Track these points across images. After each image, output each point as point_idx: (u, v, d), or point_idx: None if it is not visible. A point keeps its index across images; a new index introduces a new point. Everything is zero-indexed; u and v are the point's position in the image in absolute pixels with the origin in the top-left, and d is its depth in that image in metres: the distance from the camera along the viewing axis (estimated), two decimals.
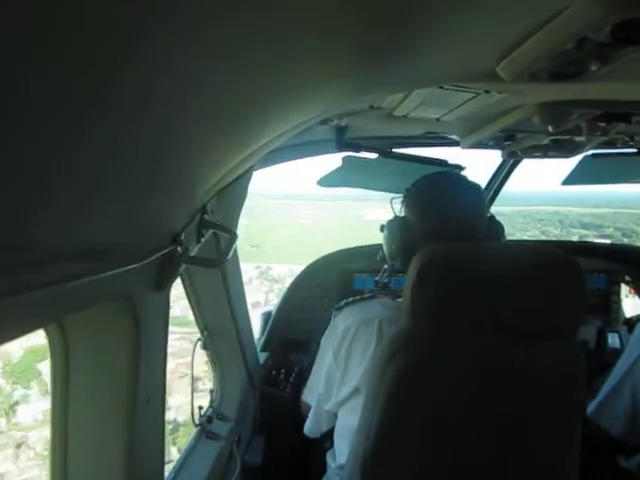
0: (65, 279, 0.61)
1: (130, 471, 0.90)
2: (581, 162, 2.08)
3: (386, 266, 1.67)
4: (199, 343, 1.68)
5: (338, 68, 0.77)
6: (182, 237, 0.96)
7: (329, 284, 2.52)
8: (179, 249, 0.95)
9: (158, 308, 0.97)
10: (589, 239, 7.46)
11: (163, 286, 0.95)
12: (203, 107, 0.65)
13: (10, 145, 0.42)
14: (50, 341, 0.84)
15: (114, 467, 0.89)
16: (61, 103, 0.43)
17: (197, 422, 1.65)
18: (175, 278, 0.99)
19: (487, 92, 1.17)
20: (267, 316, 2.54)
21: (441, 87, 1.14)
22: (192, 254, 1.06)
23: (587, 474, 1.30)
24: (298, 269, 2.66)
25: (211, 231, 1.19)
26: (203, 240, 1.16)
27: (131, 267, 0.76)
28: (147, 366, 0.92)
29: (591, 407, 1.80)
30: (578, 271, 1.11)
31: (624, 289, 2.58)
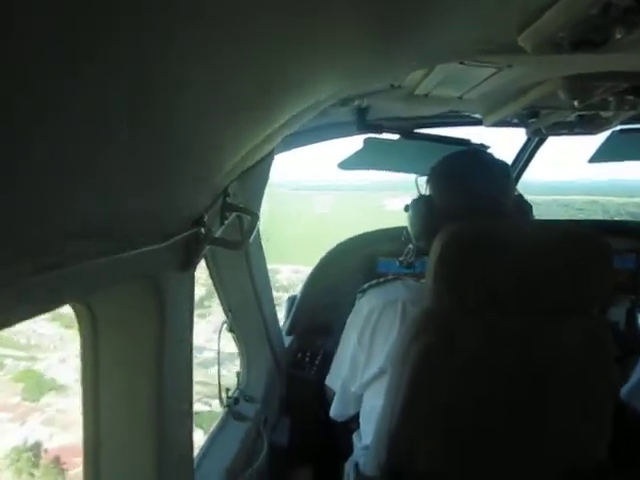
0: (90, 257, 0.63)
1: (160, 452, 0.92)
2: (608, 139, 2.03)
3: (410, 246, 1.66)
4: (224, 325, 1.70)
5: (354, 43, 0.76)
6: (205, 219, 0.97)
7: (353, 268, 2.52)
8: (202, 231, 0.96)
9: (183, 289, 0.98)
10: None
11: (188, 267, 0.96)
12: (221, 88, 0.65)
13: (38, 122, 0.43)
14: (79, 321, 0.86)
15: (144, 449, 0.92)
16: (88, 85, 0.44)
17: (225, 403, 1.67)
18: (199, 259, 1.01)
19: (510, 67, 1.15)
20: (292, 300, 2.56)
21: (462, 63, 1.13)
22: (216, 236, 1.07)
23: (619, 458, 1.29)
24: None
25: (234, 214, 1.20)
26: (226, 223, 1.17)
27: (155, 247, 0.77)
28: (174, 347, 0.94)
29: (624, 390, 1.78)
30: (604, 248, 1.09)
31: None
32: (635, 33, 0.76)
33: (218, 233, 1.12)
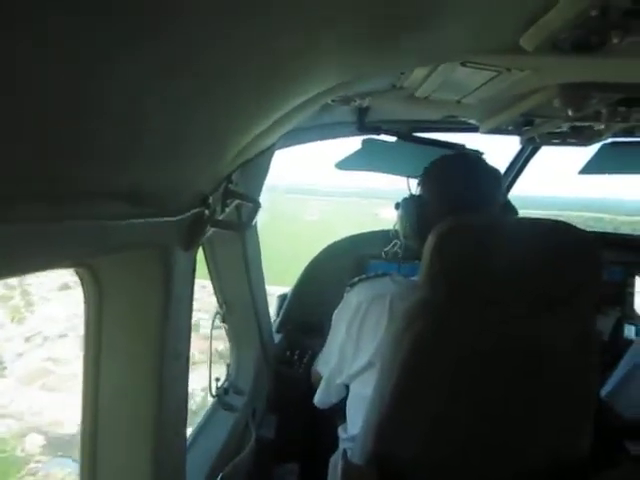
0: (101, 216, 0.65)
1: (158, 423, 0.94)
2: (599, 151, 2.08)
3: (397, 241, 1.69)
4: (217, 316, 1.72)
5: (355, 38, 0.78)
6: (210, 201, 1.00)
7: (344, 268, 2.54)
8: (207, 212, 0.99)
9: (185, 267, 1.00)
10: None
11: (191, 246, 0.98)
12: (224, 77, 0.68)
13: (62, 81, 0.45)
14: (83, 286, 0.88)
15: (143, 419, 0.93)
16: (109, 54, 0.46)
17: (214, 393, 1.69)
18: (201, 240, 1.03)
19: (509, 70, 1.19)
20: (283, 298, 2.58)
21: (463, 64, 1.16)
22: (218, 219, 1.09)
23: (595, 455, 1.32)
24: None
25: (236, 201, 1.22)
26: (227, 210, 1.20)
27: (164, 219, 0.80)
28: (175, 323, 0.96)
29: (605, 390, 1.82)
30: (591, 242, 1.13)
31: (639, 281, 2.59)
32: (631, 37, 0.80)
33: (219, 218, 1.14)
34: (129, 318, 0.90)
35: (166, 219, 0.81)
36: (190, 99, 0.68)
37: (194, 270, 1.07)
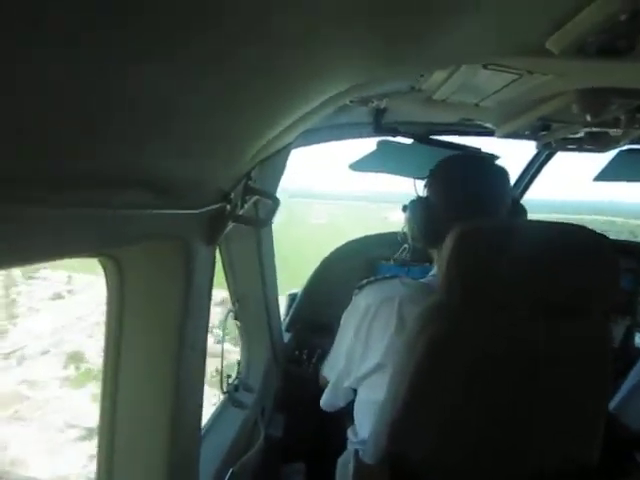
0: (125, 205, 0.66)
1: (175, 413, 0.94)
2: (615, 158, 2.08)
3: (406, 245, 1.69)
4: (230, 314, 1.73)
5: (372, 40, 0.78)
6: (231, 196, 1.01)
7: (354, 269, 2.55)
8: (228, 207, 1.00)
9: (206, 261, 1.01)
10: None
11: (212, 241, 0.99)
12: (250, 75, 0.69)
13: (84, 68, 0.46)
14: (106, 276, 0.89)
15: (161, 409, 0.94)
16: (132, 44, 0.47)
17: (225, 389, 1.70)
18: (222, 234, 1.04)
19: (530, 74, 1.19)
20: (293, 297, 2.59)
21: (485, 66, 1.16)
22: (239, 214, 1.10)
23: (604, 465, 1.31)
24: None
25: (254, 198, 1.23)
26: (246, 206, 1.20)
27: (187, 212, 0.80)
28: (193, 316, 0.97)
29: (614, 402, 1.81)
30: (609, 246, 1.13)
31: None
32: None
33: (239, 213, 1.15)
34: (150, 308, 0.91)
35: (189, 211, 0.82)
36: (213, 98, 0.69)
37: (214, 264, 1.08)
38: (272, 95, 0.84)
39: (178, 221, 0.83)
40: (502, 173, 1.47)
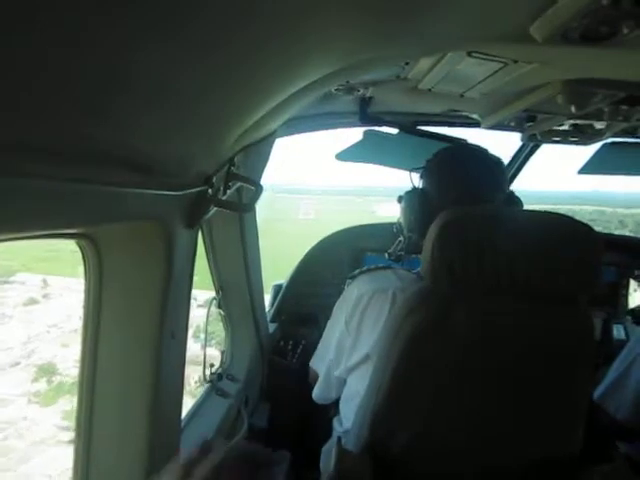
0: (105, 182, 0.65)
1: (155, 399, 0.94)
2: (599, 151, 2.09)
3: (401, 238, 1.68)
4: (214, 302, 1.72)
5: (355, 23, 0.77)
6: (214, 180, 1.00)
7: (340, 261, 2.55)
8: (210, 191, 0.99)
9: (187, 245, 1.00)
10: None
11: (193, 224, 0.98)
12: (230, 57, 0.68)
13: (76, 46, 0.45)
14: (84, 258, 0.88)
15: (140, 394, 0.93)
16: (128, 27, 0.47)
17: (208, 378, 1.69)
18: (203, 218, 1.03)
19: (515, 62, 1.19)
20: (278, 288, 2.58)
21: (469, 54, 1.16)
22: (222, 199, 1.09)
23: (588, 454, 1.32)
24: None
25: (238, 184, 1.22)
26: (229, 192, 1.19)
27: (169, 193, 0.79)
28: (173, 301, 0.96)
29: (597, 391, 1.83)
30: (594, 237, 1.13)
31: (633, 283, 2.60)
32: None
33: (222, 198, 1.14)
34: (129, 293, 0.90)
35: (170, 192, 0.81)
36: (197, 81, 0.69)
37: (195, 249, 1.07)
38: (255, 77, 0.83)
39: (159, 202, 0.82)
40: (498, 163, 1.47)
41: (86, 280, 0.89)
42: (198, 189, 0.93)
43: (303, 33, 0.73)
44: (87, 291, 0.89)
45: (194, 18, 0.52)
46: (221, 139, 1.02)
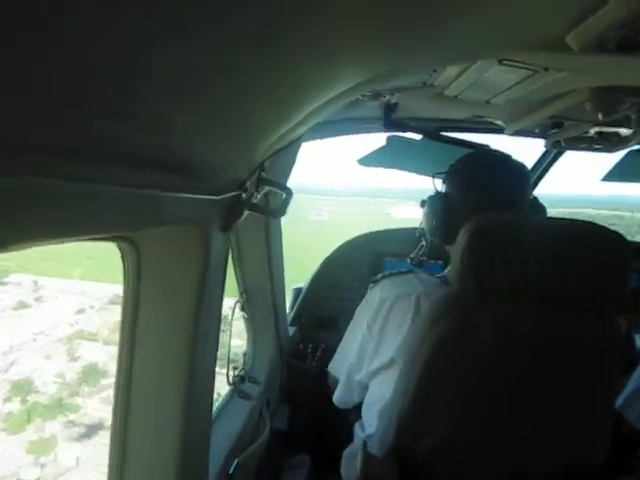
0: (146, 186, 0.66)
1: (188, 399, 0.95)
2: (624, 158, 2.08)
3: (423, 243, 1.69)
4: (238, 305, 1.74)
5: (383, 35, 0.78)
6: (247, 185, 1.01)
7: (360, 265, 2.56)
8: (244, 195, 1.00)
9: (220, 249, 1.02)
10: None
11: (227, 228, 1.00)
12: (267, 69, 0.70)
13: (114, 47, 0.46)
14: (124, 260, 0.90)
15: (174, 394, 0.95)
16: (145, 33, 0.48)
17: (231, 381, 1.70)
18: (237, 222, 1.04)
19: (545, 70, 1.19)
20: (298, 292, 2.59)
21: (500, 62, 1.17)
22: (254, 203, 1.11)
23: (609, 464, 1.32)
24: None
25: (266, 188, 1.23)
26: (259, 196, 1.21)
27: (206, 197, 0.81)
28: (208, 303, 0.97)
29: (618, 401, 1.81)
30: (623, 244, 1.13)
31: None
32: None
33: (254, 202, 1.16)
34: (166, 293, 0.92)
35: (207, 197, 0.82)
36: (234, 87, 0.71)
37: (227, 253, 1.09)
38: (288, 88, 0.85)
39: (196, 206, 0.83)
40: (522, 169, 1.47)
41: (125, 281, 0.91)
42: (233, 193, 0.95)
43: (333, 46, 0.74)
44: (126, 292, 0.91)
45: (229, 26, 0.53)
46: (254, 145, 1.03)
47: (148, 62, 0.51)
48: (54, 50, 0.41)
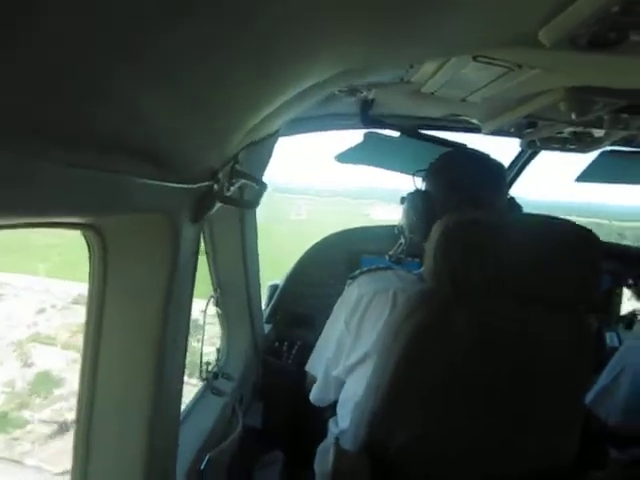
0: (113, 170, 0.64)
1: (156, 395, 0.93)
2: (597, 159, 2.11)
3: (402, 240, 1.69)
4: (211, 300, 1.72)
5: (360, 26, 0.78)
6: (219, 176, 1.00)
7: (336, 262, 2.55)
8: (216, 186, 0.99)
9: (191, 241, 1.00)
10: None
11: (198, 218, 0.98)
12: (237, 56, 0.69)
13: (90, 31, 0.45)
14: (89, 249, 0.87)
15: (141, 389, 0.92)
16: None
17: (204, 376, 1.68)
18: (208, 214, 1.03)
19: (520, 67, 1.20)
20: (274, 288, 2.58)
21: (475, 58, 1.17)
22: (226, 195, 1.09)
23: (580, 460, 1.33)
24: None
25: (241, 181, 1.22)
26: (232, 189, 1.19)
27: (177, 186, 0.79)
28: (178, 295, 0.95)
29: (589, 397, 1.84)
30: (595, 242, 1.15)
31: (626, 292, 2.63)
32: None
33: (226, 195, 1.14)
34: (134, 286, 0.90)
35: (178, 185, 0.81)
36: (207, 74, 0.70)
37: (198, 246, 1.07)
38: (262, 76, 0.84)
39: (166, 194, 0.81)
40: (500, 168, 1.49)
41: (90, 273, 0.89)
42: (205, 184, 0.93)
43: (310, 35, 0.73)
44: (91, 284, 0.89)
45: (206, 13, 0.53)
46: (228, 135, 1.02)
47: (121, 46, 0.50)
48: (23, 34, 0.40)
